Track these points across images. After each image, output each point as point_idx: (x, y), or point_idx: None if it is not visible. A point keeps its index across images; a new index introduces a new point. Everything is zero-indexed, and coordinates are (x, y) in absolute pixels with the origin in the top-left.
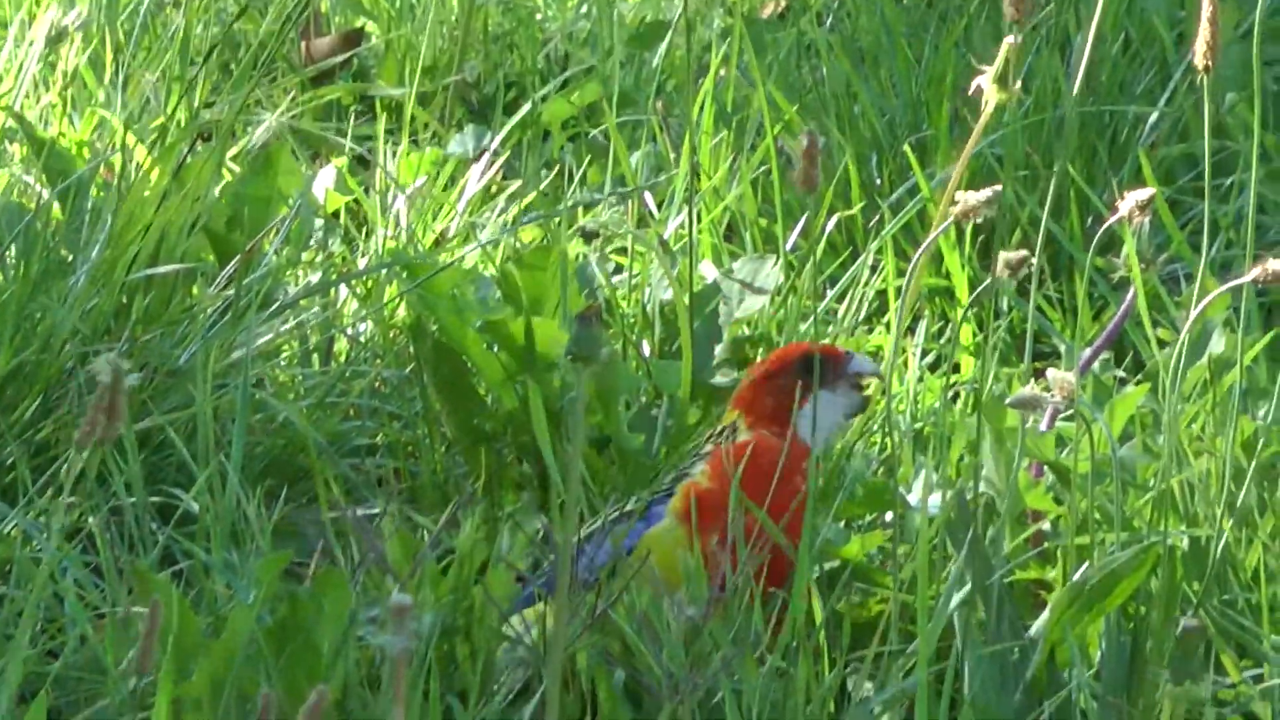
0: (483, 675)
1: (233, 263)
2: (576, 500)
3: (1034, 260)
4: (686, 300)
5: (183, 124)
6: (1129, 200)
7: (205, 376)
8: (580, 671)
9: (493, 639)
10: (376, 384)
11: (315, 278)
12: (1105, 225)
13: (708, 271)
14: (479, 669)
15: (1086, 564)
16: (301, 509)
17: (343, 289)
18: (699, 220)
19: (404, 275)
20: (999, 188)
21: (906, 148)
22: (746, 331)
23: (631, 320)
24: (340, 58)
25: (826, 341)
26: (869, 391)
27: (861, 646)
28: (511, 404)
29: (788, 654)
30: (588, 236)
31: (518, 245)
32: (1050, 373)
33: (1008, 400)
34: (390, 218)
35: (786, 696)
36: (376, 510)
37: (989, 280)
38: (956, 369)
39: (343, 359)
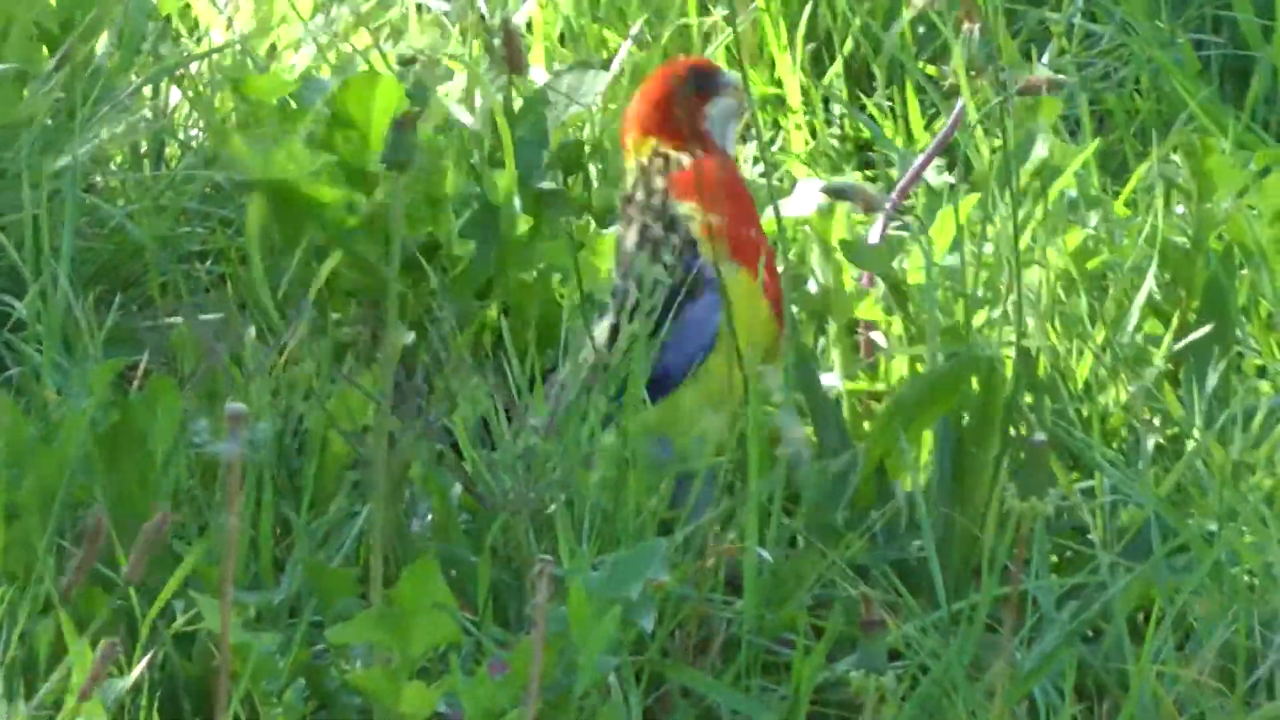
0: (317, 485)
1: (55, 57)
2: (399, 309)
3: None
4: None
5: None
6: None
7: (37, 180)
8: (414, 481)
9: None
10: (208, 189)
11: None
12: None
13: (538, 77)
14: (313, 478)
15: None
16: (134, 315)
17: (174, 94)
18: (533, 27)
19: (234, 84)
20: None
21: None
22: (573, 136)
23: (463, 129)
24: None
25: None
26: (740, 98)
27: None
28: (340, 219)
29: (620, 466)
30: (405, 63)
31: (350, 49)
32: (853, 184)
33: (821, 186)
34: (223, 22)
35: (617, 508)
36: (211, 316)
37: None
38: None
39: (174, 164)
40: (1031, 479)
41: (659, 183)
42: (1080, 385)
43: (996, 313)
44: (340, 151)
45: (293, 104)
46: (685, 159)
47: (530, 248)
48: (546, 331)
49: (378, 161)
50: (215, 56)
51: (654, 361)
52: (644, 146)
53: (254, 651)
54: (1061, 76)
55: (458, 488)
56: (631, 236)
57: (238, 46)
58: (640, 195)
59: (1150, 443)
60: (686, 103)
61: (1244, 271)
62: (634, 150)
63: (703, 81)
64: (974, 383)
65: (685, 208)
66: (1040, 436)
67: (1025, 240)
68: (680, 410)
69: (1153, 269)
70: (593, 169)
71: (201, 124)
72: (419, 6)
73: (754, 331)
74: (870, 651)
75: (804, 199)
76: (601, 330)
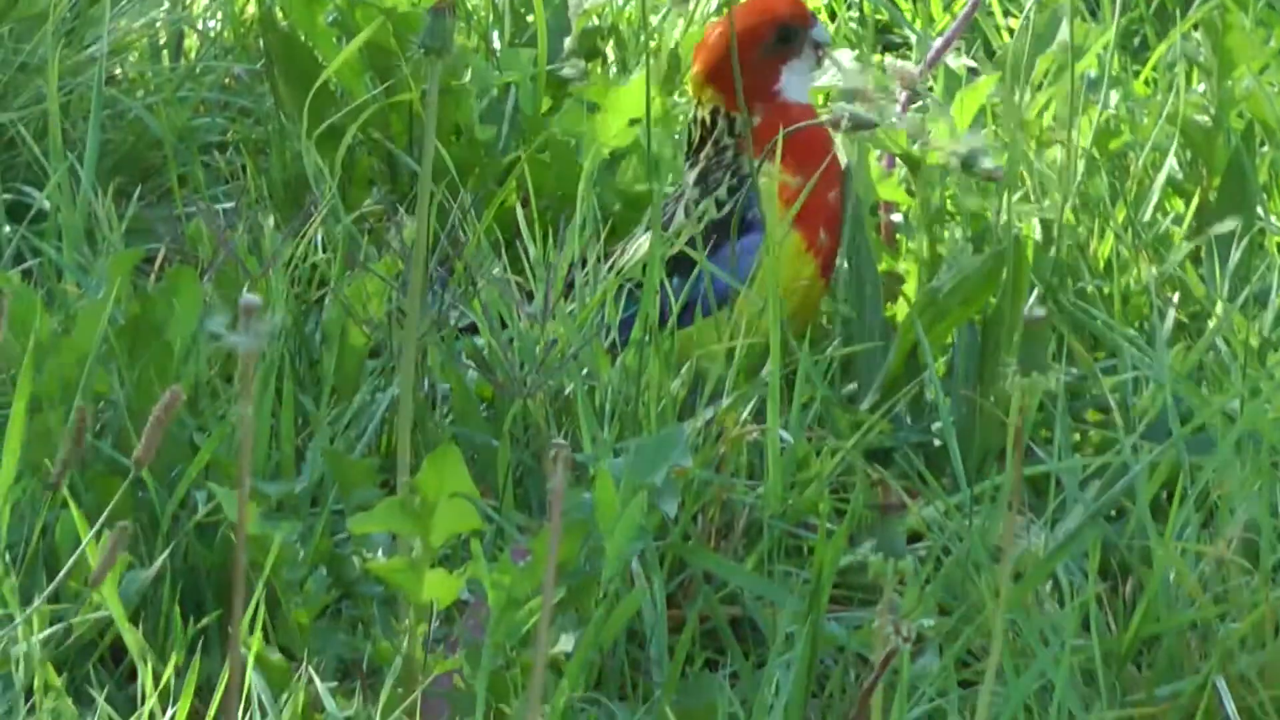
0: (336, 375)
1: None
2: (430, 194)
3: None
4: None
5: None
6: None
7: (54, 68)
8: (433, 368)
9: (351, 339)
10: (227, 80)
11: None
12: None
13: None
14: (333, 368)
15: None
16: (153, 206)
17: None
18: None
19: None
20: None
21: None
22: (595, 23)
23: (481, 13)
24: None
25: None
26: (823, 55)
27: None
28: (362, 97)
29: (641, 348)
30: None
31: None
32: (890, 62)
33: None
34: None
35: (638, 392)
36: (229, 206)
37: None
38: None
39: (193, 55)
40: (1031, 354)
41: (727, 140)
42: (1101, 265)
43: (1018, 194)
44: (359, 25)
45: None
46: (755, 118)
47: (546, 123)
48: (567, 207)
49: (414, 46)
50: None
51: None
52: (709, 98)
53: (274, 541)
54: None
55: (475, 373)
56: (693, 176)
57: None
58: (710, 150)
59: (1171, 320)
60: (764, 65)
61: (1265, 149)
62: (700, 98)
63: (786, 38)
64: (1000, 280)
65: (754, 165)
66: (1039, 310)
67: (1046, 121)
68: (693, 341)
69: (1174, 148)
70: (612, 55)
71: (220, 15)
72: None
73: (790, 289)
74: (888, 534)
75: (834, 70)
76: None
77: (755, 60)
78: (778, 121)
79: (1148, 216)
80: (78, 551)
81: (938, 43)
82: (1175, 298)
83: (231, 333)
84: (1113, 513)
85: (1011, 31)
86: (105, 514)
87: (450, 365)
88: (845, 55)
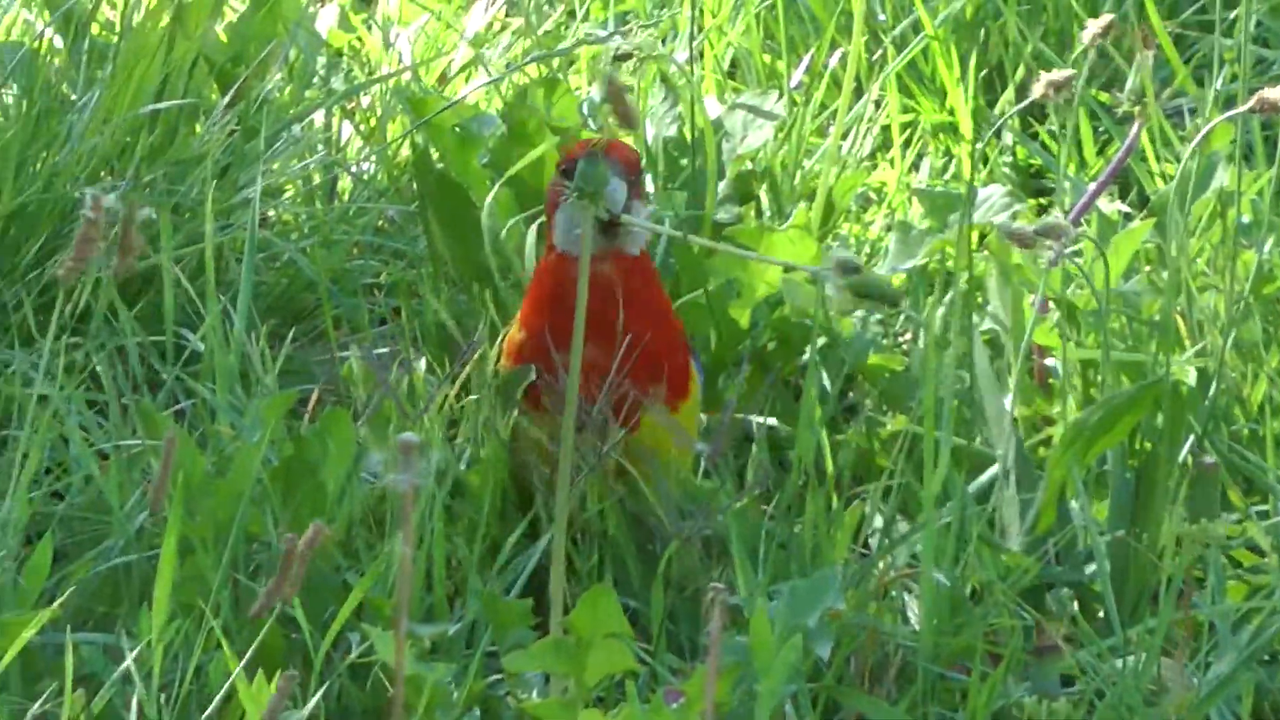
0: (490, 515)
1: (230, 92)
2: (582, 334)
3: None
4: (695, 119)
5: None
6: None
7: (209, 210)
8: (586, 511)
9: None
10: (380, 222)
11: (319, 115)
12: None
13: (711, 108)
14: (486, 509)
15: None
16: (307, 348)
17: (346, 128)
18: (702, 58)
19: (409, 112)
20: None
21: None
22: (750, 166)
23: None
24: None
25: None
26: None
27: (871, 477)
28: (515, 240)
29: (794, 490)
30: (620, 59)
31: (522, 83)
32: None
33: (1032, 228)
34: (393, 55)
35: (792, 535)
36: (383, 350)
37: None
38: None
39: (346, 197)
40: (1202, 501)
41: None
42: (1255, 409)
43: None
44: (513, 165)
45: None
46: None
47: (704, 268)
48: (725, 353)
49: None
50: (385, 85)
51: None
52: None
53: (428, 683)
54: None
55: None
56: None
57: (407, 75)
58: None
59: None
60: (551, 202)
61: None
62: None
63: (569, 176)
64: (1154, 407)
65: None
66: (1210, 459)
67: (1201, 266)
68: None
69: None
70: (766, 199)
71: (374, 157)
72: (586, 37)
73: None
74: (1044, 676)
75: (987, 207)
76: None
77: (550, 194)
78: (545, 267)
79: None
80: (224, 686)
81: (1091, 188)
82: None
83: (389, 473)
84: (1266, 656)
85: (1165, 177)
86: (252, 650)
87: (607, 508)
88: (994, 190)
